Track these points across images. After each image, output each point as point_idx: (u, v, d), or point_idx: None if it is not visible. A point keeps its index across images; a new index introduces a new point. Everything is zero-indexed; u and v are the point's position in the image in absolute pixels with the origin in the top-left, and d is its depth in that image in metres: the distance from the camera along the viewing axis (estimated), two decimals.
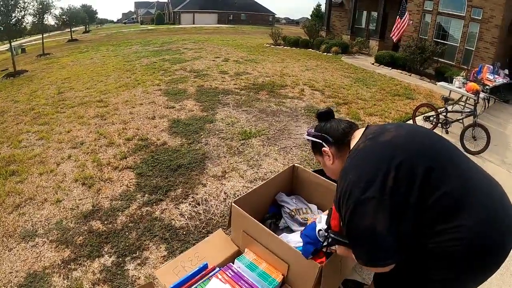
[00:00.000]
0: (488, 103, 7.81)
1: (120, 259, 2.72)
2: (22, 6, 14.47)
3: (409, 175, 1.17)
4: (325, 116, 1.63)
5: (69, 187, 3.86)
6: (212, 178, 3.94)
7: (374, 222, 1.16)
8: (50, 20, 23.53)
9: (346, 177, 1.27)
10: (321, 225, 1.90)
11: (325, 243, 1.73)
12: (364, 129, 1.45)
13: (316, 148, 1.61)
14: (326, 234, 1.64)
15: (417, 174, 1.16)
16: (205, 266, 2.06)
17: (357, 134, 1.45)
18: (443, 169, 1.20)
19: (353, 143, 1.43)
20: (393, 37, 13.30)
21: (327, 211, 2.01)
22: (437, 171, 1.18)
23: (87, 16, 38.21)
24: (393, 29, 13.34)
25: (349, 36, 18.20)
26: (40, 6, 18.37)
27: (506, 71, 9.65)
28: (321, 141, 1.56)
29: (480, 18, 11.78)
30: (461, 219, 1.14)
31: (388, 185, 1.16)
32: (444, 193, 1.15)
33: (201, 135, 5.13)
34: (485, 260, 1.17)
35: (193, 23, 50.25)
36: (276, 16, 68.23)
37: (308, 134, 1.63)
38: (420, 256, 1.23)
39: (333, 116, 1.64)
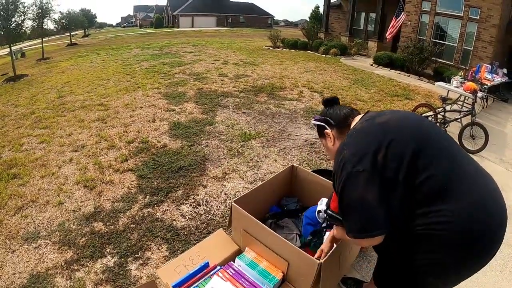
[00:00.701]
0: (487, 102, 7.85)
1: (122, 259, 2.75)
2: (22, 11, 14.54)
3: (398, 154, 1.24)
4: (329, 102, 1.77)
5: (71, 189, 3.90)
6: (213, 179, 3.97)
7: (364, 192, 1.25)
8: (49, 24, 23.65)
9: (342, 152, 1.37)
10: (321, 206, 1.98)
11: (324, 224, 1.86)
12: (364, 113, 1.56)
13: (320, 131, 1.72)
14: (325, 215, 1.74)
15: (406, 154, 1.24)
16: (206, 265, 2.09)
17: (357, 118, 1.58)
18: (431, 153, 1.27)
19: (352, 125, 1.54)
20: (387, 36, 13.37)
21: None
22: (426, 153, 1.26)
23: (86, 20, 38.33)
24: (388, 28, 13.44)
25: (347, 38, 18.28)
26: (40, 11, 18.41)
27: (505, 70, 9.71)
28: (324, 124, 1.67)
29: (477, 17, 11.84)
30: (447, 203, 1.19)
31: (378, 161, 1.25)
32: (432, 175, 1.21)
33: (201, 137, 5.17)
34: (472, 245, 1.21)
35: (192, 26, 50.40)
36: (275, 18, 68.41)
37: (314, 119, 1.75)
38: (410, 240, 1.28)
39: (338, 103, 1.77)
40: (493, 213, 1.23)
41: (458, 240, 1.19)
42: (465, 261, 1.25)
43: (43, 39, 20.75)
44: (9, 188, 4.02)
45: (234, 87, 8.29)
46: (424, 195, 1.22)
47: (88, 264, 2.73)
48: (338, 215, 1.48)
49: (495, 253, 1.28)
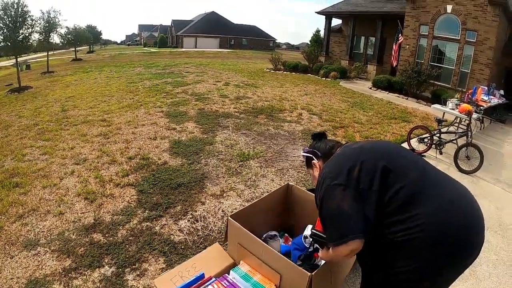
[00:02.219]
0: (483, 123, 8.03)
1: (120, 269, 2.83)
2: (30, 24, 14.86)
3: (371, 169, 1.43)
4: (318, 136, 2.00)
5: (72, 200, 3.99)
6: (211, 197, 4.09)
7: (340, 202, 1.41)
8: (55, 38, 24.05)
9: (322, 172, 1.59)
10: (307, 232, 2.14)
11: (310, 249, 2.03)
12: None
13: (308, 162, 1.92)
14: (311, 239, 1.90)
15: (378, 167, 1.42)
16: (201, 276, 2.19)
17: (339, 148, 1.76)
18: (401, 164, 1.47)
19: None
20: (393, 62, 13.67)
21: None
22: (396, 166, 1.45)
23: (91, 37, 38.94)
24: (392, 56, 13.76)
25: (347, 61, 18.68)
26: (47, 25, 18.79)
27: (502, 92, 9.93)
28: (311, 155, 1.88)
29: (474, 40, 12.16)
30: (420, 207, 1.33)
31: (353, 175, 1.44)
32: (403, 185, 1.38)
33: (201, 156, 5.30)
34: (448, 250, 1.30)
35: (195, 47, 51.23)
36: (276, 41, 69.50)
37: (303, 151, 1.96)
38: (388, 248, 1.38)
39: (326, 137, 2.00)
40: (467, 212, 1.37)
41: (435, 239, 1.29)
42: (441, 266, 1.32)
43: (49, 53, 21.10)
44: (10, 196, 4.10)
45: (234, 108, 8.49)
46: (398, 203, 1.36)
47: (86, 273, 2.80)
48: (322, 233, 1.61)
49: (477, 251, 1.38)
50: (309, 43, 27.61)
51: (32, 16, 15.00)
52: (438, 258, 1.31)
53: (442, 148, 5.96)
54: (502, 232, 3.67)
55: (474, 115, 6.30)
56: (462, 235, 1.33)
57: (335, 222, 1.45)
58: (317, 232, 1.65)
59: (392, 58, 13.61)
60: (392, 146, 1.69)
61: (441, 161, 5.84)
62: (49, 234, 3.36)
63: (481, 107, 7.43)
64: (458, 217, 1.34)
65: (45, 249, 3.14)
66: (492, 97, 9.31)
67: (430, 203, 1.34)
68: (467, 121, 5.99)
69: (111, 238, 3.26)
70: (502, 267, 3.13)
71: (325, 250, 1.60)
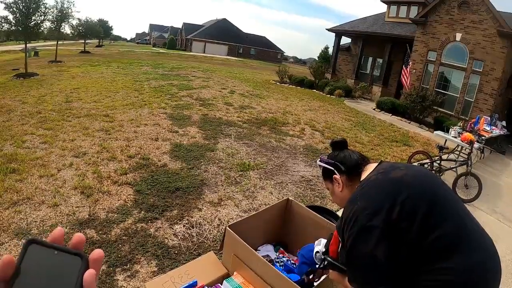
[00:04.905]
0: (483, 153, 8.05)
1: (111, 269, 2.80)
2: (43, 11, 14.89)
3: (412, 212, 1.28)
4: (339, 145, 1.73)
5: (68, 193, 3.96)
6: (208, 204, 4.06)
7: (375, 249, 1.26)
8: (66, 29, 24.06)
9: (355, 204, 1.37)
10: (319, 247, 1.98)
11: (321, 266, 1.80)
12: (377, 163, 1.56)
13: (327, 175, 1.68)
14: (323, 257, 1.70)
15: (419, 212, 1.27)
16: (194, 284, 2.16)
17: (369, 167, 1.56)
18: (443, 211, 1.32)
19: (364, 175, 1.54)
20: (405, 85, 13.71)
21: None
22: (437, 212, 1.30)
23: (102, 31, 39.10)
24: (402, 78, 13.82)
25: (353, 81, 18.85)
26: (60, 14, 18.84)
27: (504, 123, 9.99)
28: (333, 169, 1.64)
29: (481, 70, 12.29)
30: (454, 262, 1.25)
31: (392, 217, 1.27)
32: (442, 234, 1.26)
33: (201, 162, 5.29)
34: None
35: (204, 52, 51.57)
36: (284, 54, 70.04)
37: (321, 161, 1.71)
38: None
39: (347, 146, 1.74)
40: (492, 273, 1.31)
41: None
42: None
43: (58, 42, 21.16)
44: (6, 182, 4.06)
45: (238, 117, 8.51)
46: (433, 254, 1.27)
47: None
48: (338, 263, 1.50)
49: None
50: (317, 59, 27.85)
51: (46, 3, 15.06)
52: None
53: (441, 175, 5.98)
54: None
55: (476, 145, 6.33)
56: None
57: (364, 269, 1.33)
58: (334, 262, 1.52)
59: (404, 81, 13.64)
60: (434, 181, 1.49)
61: None
62: (41, 225, 3.33)
63: (483, 137, 7.47)
64: (485, 277, 1.28)
65: None
66: (494, 127, 9.37)
67: (463, 260, 1.26)
68: (468, 150, 6.01)
69: (105, 236, 3.23)
70: None
71: (337, 275, 1.53)
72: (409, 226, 1.26)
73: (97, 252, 0.51)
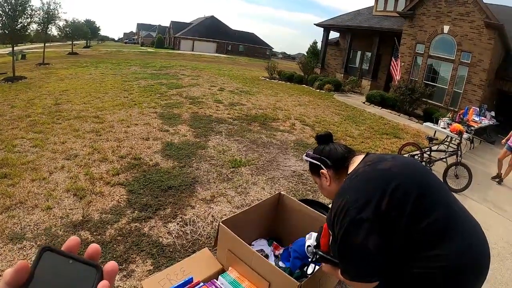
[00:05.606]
0: (473, 143, 8.18)
1: None
2: (29, 13, 14.73)
3: (401, 201, 1.29)
4: (324, 139, 1.71)
5: (61, 196, 3.96)
6: (201, 201, 4.10)
7: (365, 241, 1.27)
8: (53, 30, 23.81)
9: (344, 197, 1.36)
10: (311, 241, 2.02)
11: (313, 259, 1.82)
12: (363, 155, 1.57)
13: (314, 169, 1.68)
14: (314, 250, 1.70)
15: (409, 201, 1.29)
16: (190, 280, 2.20)
17: (356, 160, 1.56)
18: (432, 199, 1.34)
19: (351, 168, 1.54)
20: (395, 77, 13.83)
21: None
22: (427, 200, 1.32)
23: (89, 32, 38.71)
24: (391, 71, 13.94)
25: (342, 75, 18.96)
26: (46, 16, 18.64)
27: (493, 113, 10.15)
28: (319, 163, 1.63)
29: (469, 62, 12.46)
30: (443, 249, 1.27)
31: (382, 208, 1.28)
32: (432, 221, 1.28)
33: (193, 159, 5.31)
34: (464, 279, 1.29)
35: (192, 50, 51.36)
36: (273, 50, 70.00)
37: (307, 156, 1.70)
38: (403, 281, 1.33)
39: (332, 140, 1.72)
40: (482, 257, 1.34)
41: (447, 283, 1.26)
42: None
43: (45, 45, 20.93)
44: None
45: (228, 114, 8.53)
46: (424, 241, 1.28)
47: None
48: (329, 256, 1.52)
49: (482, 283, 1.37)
50: (306, 54, 27.88)
51: (32, 6, 14.91)
52: None
53: (432, 166, 6.07)
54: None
55: (465, 135, 6.44)
56: (475, 275, 1.33)
57: (356, 261, 1.34)
58: (325, 256, 1.54)
59: (394, 73, 13.74)
60: (421, 170, 1.50)
61: None
62: (35, 229, 3.33)
63: (472, 128, 7.58)
64: (474, 267, 1.31)
65: (31, 243, 3.10)
66: (483, 118, 9.52)
67: (453, 246, 1.28)
68: (457, 141, 6.11)
69: (99, 237, 3.24)
70: (485, 285, 3.17)
71: (330, 267, 1.54)
72: (400, 215, 1.27)
73: (111, 265, 0.51)
